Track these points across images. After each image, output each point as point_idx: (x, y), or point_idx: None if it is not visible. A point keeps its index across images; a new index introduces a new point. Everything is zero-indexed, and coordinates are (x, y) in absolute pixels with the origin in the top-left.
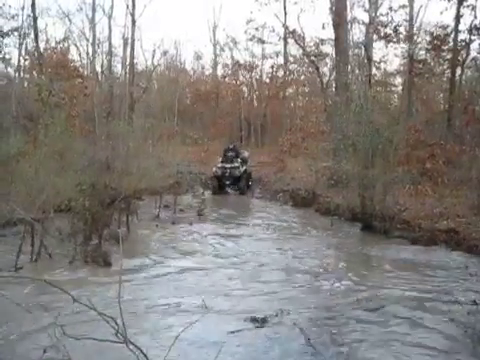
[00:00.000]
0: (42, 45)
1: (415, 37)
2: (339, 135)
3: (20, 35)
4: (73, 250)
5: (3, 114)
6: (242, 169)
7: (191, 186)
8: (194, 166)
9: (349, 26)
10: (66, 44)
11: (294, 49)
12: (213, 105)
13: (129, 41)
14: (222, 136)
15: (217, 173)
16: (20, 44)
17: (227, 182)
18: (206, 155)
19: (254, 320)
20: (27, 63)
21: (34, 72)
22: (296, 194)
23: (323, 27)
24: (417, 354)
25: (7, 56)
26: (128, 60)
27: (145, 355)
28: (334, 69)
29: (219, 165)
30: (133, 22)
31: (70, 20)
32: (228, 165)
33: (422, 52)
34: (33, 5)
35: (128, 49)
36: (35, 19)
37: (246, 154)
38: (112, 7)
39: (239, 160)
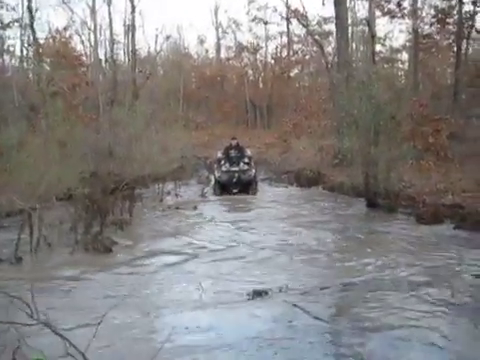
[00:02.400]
0: (43, 35)
1: (419, 11)
2: (342, 113)
3: (21, 26)
4: (74, 239)
5: (6, 104)
6: (252, 172)
7: (196, 170)
8: (198, 150)
9: (351, 3)
10: (68, 33)
11: (298, 29)
12: (218, 88)
13: (130, 27)
14: (228, 119)
15: (222, 179)
16: (21, 35)
17: (235, 190)
18: (210, 139)
19: (257, 293)
20: (30, 54)
21: (31, 61)
22: (301, 174)
23: (323, 3)
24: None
25: (11, 48)
26: (130, 47)
27: (64, 337)
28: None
29: (224, 169)
30: (133, 8)
31: (71, 10)
32: (235, 168)
33: (427, 27)
34: None
35: (130, 36)
36: (30, 9)
37: (249, 152)
38: None
39: (246, 160)
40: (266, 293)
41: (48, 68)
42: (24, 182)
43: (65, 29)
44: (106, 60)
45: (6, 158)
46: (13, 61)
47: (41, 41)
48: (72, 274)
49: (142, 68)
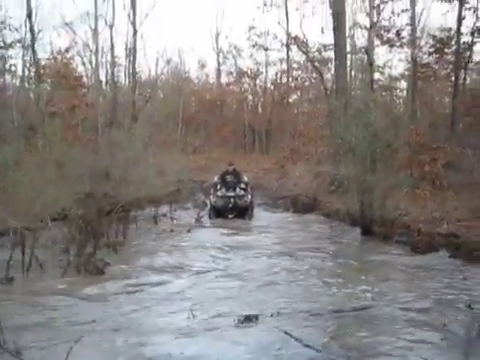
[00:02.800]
0: (45, 56)
1: (418, 41)
2: (338, 140)
3: (23, 46)
4: (66, 260)
5: (5, 123)
6: (249, 198)
7: (192, 193)
8: (195, 174)
9: (351, 31)
10: (70, 54)
11: (298, 55)
12: (217, 113)
13: (131, 51)
14: (226, 143)
15: (217, 204)
16: (23, 55)
17: (230, 216)
18: (208, 163)
19: (248, 319)
20: (31, 74)
21: (32, 82)
22: (297, 200)
23: (322, 31)
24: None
25: (12, 68)
26: (131, 69)
27: None
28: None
29: (220, 194)
30: (134, 31)
31: (74, 31)
32: (231, 194)
33: (425, 56)
34: (29, 15)
35: (131, 58)
36: (32, 30)
37: (246, 177)
38: (113, 17)
39: (242, 185)
40: (257, 318)
41: (49, 88)
42: (19, 201)
43: (67, 50)
44: (106, 82)
45: (2, 177)
46: (14, 80)
47: (43, 61)
48: (61, 296)
49: (142, 91)
